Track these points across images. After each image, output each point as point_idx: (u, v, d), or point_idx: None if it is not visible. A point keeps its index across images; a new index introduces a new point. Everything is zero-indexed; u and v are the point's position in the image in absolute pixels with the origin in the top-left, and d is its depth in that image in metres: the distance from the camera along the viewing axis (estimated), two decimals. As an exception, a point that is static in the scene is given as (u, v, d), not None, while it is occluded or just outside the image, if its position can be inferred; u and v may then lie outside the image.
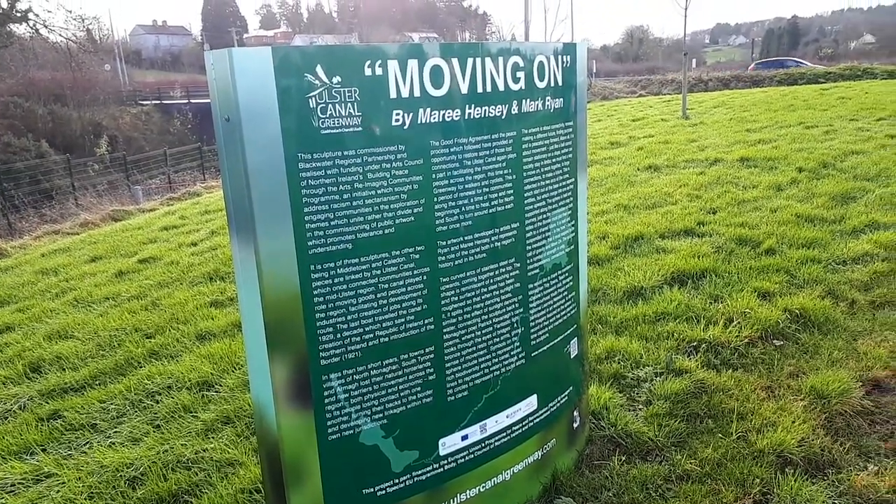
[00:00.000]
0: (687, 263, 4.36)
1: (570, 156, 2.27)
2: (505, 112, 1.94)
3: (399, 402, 1.88)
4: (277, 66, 1.50)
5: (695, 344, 3.42)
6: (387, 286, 1.78)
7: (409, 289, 1.83)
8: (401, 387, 1.87)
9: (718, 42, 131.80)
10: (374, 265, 1.75)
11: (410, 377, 1.89)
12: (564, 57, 2.13)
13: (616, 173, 7.53)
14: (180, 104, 40.71)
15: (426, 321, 1.88)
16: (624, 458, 2.61)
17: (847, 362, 3.25)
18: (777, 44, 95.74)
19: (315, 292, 1.68)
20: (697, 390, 3.01)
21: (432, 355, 1.92)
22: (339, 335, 1.73)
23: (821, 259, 4.47)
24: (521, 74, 1.96)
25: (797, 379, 3.12)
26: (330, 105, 1.58)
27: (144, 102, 40.05)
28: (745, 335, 3.47)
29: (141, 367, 3.77)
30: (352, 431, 1.80)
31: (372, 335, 1.79)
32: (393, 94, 1.68)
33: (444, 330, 1.93)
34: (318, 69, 1.55)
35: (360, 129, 1.64)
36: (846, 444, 2.66)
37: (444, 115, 1.79)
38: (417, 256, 1.82)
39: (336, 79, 1.57)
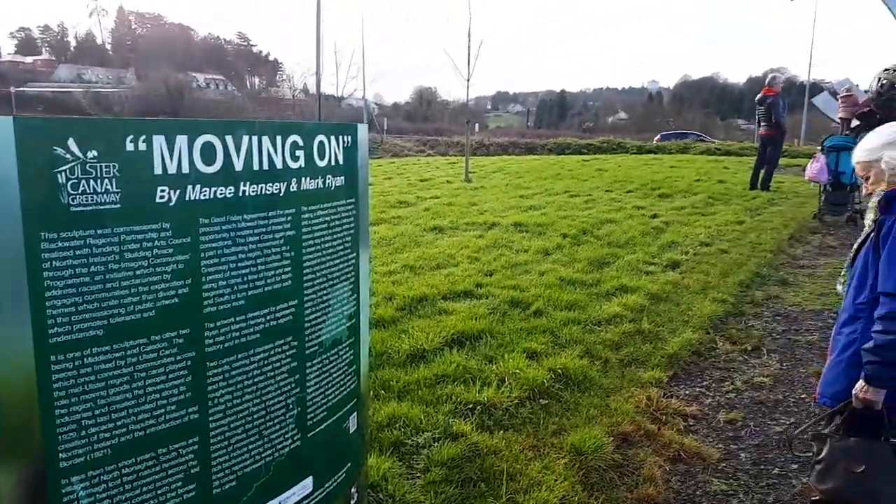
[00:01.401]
0: (466, 325, 4.58)
1: (352, 232, 2.29)
2: (283, 189, 1.91)
3: (156, 501, 1.70)
4: (19, 137, 1.33)
5: (471, 406, 3.57)
6: (144, 375, 1.63)
7: (170, 376, 1.69)
8: (158, 484, 1.70)
9: (499, 108, 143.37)
10: (129, 352, 1.59)
11: (170, 472, 1.73)
12: (345, 136, 2.16)
13: (404, 233, 7.77)
14: None
15: (190, 410, 1.75)
16: (401, 532, 2.62)
17: (601, 418, 3.60)
18: (549, 114, 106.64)
19: (55, 385, 1.48)
20: (472, 454, 3.13)
21: (196, 446, 1.78)
22: (83, 432, 1.54)
23: (580, 320, 4.95)
24: (300, 153, 1.94)
25: (560, 437, 3.37)
26: (83, 181, 1.43)
27: None
28: (516, 395, 3.70)
29: None
30: (97, 540, 1.60)
31: (125, 430, 1.61)
32: (158, 171, 1.57)
33: (211, 418, 1.80)
34: (71, 142, 1.40)
35: (118, 206, 1.51)
36: (600, 498, 2.91)
37: (216, 192, 1.71)
38: (181, 341, 1.70)
39: (92, 153, 1.43)
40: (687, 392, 4.10)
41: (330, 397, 2.27)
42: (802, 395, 4.07)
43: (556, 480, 2.94)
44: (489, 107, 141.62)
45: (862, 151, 2.45)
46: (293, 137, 1.91)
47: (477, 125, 46.10)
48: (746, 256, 7.14)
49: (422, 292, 5.29)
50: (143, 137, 1.53)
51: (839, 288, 2.62)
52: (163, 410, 1.69)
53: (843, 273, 2.56)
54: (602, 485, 3.04)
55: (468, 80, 14.80)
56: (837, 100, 17.75)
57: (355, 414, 2.48)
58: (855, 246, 2.49)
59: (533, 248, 7.07)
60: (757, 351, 4.75)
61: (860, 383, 2.31)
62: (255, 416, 1.94)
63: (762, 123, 12.06)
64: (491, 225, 8.37)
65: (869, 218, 2.48)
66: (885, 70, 15.64)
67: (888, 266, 2.21)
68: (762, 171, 12.08)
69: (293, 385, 2.07)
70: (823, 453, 2.39)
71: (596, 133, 47.26)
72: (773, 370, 4.42)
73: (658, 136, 36.88)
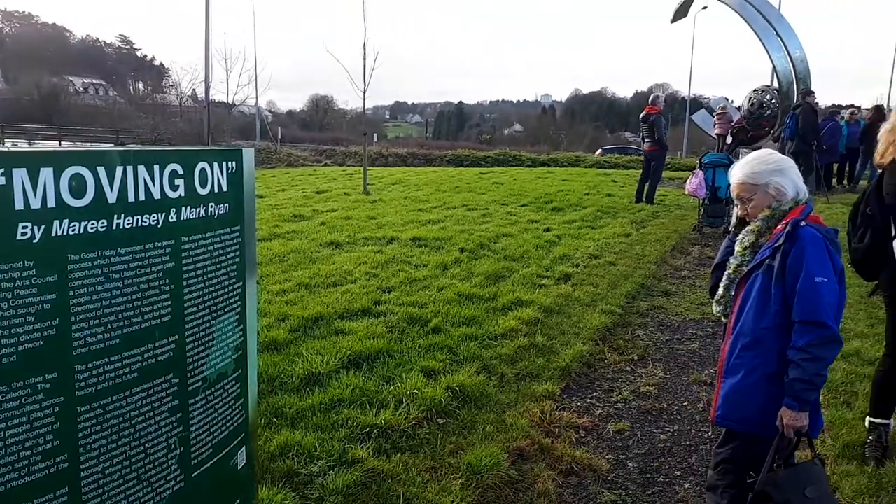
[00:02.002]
0: (363, 345, 4.53)
1: (238, 260, 2.21)
2: (161, 220, 1.82)
3: (18, 562, 1.57)
4: None
5: (367, 430, 3.53)
6: (3, 425, 1.50)
7: (34, 425, 1.56)
8: (21, 544, 1.57)
9: (397, 118, 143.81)
10: (-14, 403, 1.46)
11: (35, 529, 1.59)
12: (230, 162, 2.09)
13: (299, 249, 7.61)
14: None
15: (58, 459, 1.62)
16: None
17: (497, 435, 3.65)
18: (447, 125, 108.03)
19: None
20: (368, 480, 3.09)
21: (65, 498, 1.65)
22: (-69, 495, 1.40)
23: (478, 336, 5.01)
24: (179, 182, 1.86)
25: (457, 456, 3.39)
26: (-72, 219, 1.31)
27: None
28: (413, 416, 3.69)
29: None
30: None
31: (-20, 488, 1.48)
32: (19, 206, 1.45)
33: (83, 466, 1.68)
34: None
35: (-30, 245, 1.38)
36: (496, 518, 2.95)
37: (86, 226, 1.60)
38: (48, 386, 1.57)
39: (-63, 188, 1.31)
40: (579, 404, 4.23)
41: (216, 434, 2.18)
42: (685, 404, 4.29)
43: (452, 502, 2.96)
44: (387, 116, 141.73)
45: (747, 175, 2.54)
46: (172, 166, 1.83)
47: (375, 135, 45.99)
48: (633, 268, 7.49)
49: (317, 312, 5.19)
50: (1, 171, 1.41)
51: (716, 308, 2.73)
52: (26, 462, 1.56)
53: (720, 294, 2.68)
54: (498, 503, 3.08)
55: (364, 93, 14.74)
56: (714, 117, 19.12)
57: (244, 448, 2.39)
58: (731, 269, 2.61)
59: (432, 263, 7.11)
60: (643, 360, 4.98)
61: (789, 412, 2.35)
62: (133, 461, 1.83)
63: (646, 140, 12.73)
64: (390, 239, 8.35)
65: (747, 241, 2.58)
66: (755, 90, 16.96)
67: (807, 295, 2.31)
68: (646, 185, 12.74)
69: (175, 424, 1.97)
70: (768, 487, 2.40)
71: (493, 145, 48.25)
72: (657, 379, 4.64)
73: (599, 150, 38.01)
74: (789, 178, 2.51)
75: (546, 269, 7.18)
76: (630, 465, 3.55)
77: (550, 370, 4.57)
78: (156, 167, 1.78)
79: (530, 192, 13.70)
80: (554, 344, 5.05)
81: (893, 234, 3.33)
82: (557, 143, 65.05)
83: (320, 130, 61.94)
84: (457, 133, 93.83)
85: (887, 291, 3.45)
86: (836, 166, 16.03)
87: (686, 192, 10.19)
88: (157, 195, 1.79)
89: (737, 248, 2.60)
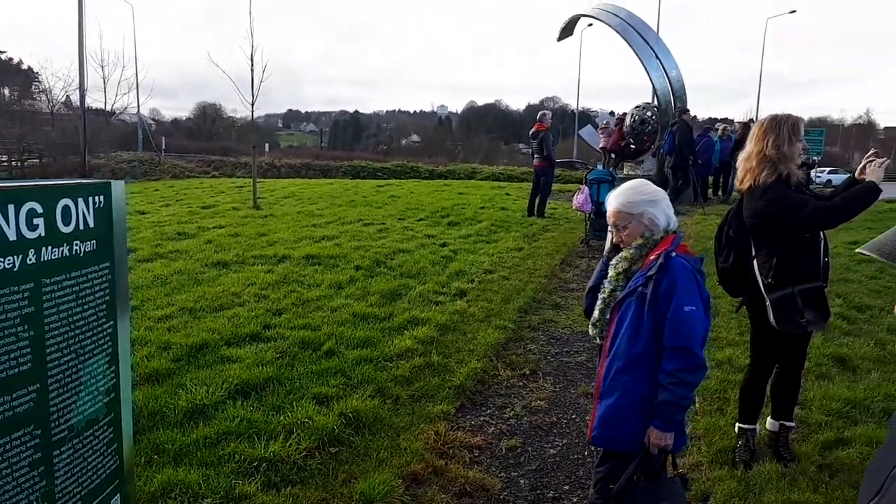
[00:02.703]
0: (251, 373, 4.38)
1: (107, 299, 2.08)
2: (18, 263, 1.68)
3: None
4: None
5: (256, 463, 3.41)
6: None
7: None
8: None
9: (291, 127, 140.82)
10: None
11: None
12: (97, 197, 1.96)
13: (183, 269, 7.27)
14: None
15: None
16: None
17: (391, 460, 3.62)
18: (343, 134, 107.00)
19: None
20: (256, 518, 2.98)
21: None
22: None
23: (373, 357, 4.96)
24: (39, 221, 1.73)
25: (349, 485, 3.34)
26: None
27: None
28: (304, 446, 3.60)
29: None
30: None
31: None
32: None
33: (-75, 538, 1.52)
34: None
35: None
36: (388, 547, 2.92)
37: (-75, 274, 1.46)
38: None
39: None
40: (473, 422, 4.28)
41: (86, 484, 2.03)
42: (573, 416, 4.44)
43: (345, 534, 2.90)
44: (280, 125, 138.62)
45: (623, 204, 2.68)
46: (30, 205, 1.70)
47: (267, 144, 44.70)
48: (525, 282, 7.68)
49: (202, 339, 4.96)
50: None
51: (592, 331, 2.85)
52: None
53: (596, 317, 2.80)
54: (391, 532, 3.05)
55: (252, 105, 14.33)
56: (598, 132, 20.05)
57: (118, 496, 2.25)
58: (606, 293, 2.73)
59: (326, 283, 6.99)
60: (534, 375, 5.11)
61: (657, 431, 2.51)
62: (-14, 526, 1.67)
63: (535, 156, 13.14)
64: (281, 258, 8.14)
65: (620, 267, 2.71)
66: (637, 107, 17.89)
67: (677, 323, 2.46)
68: (537, 199, 13.14)
69: (37, 479, 1.83)
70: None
71: (391, 155, 48.12)
72: (548, 393, 4.77)
73: None
74: (661, 209, 2.67)
75: (442, 286, 7.23)
76: (521, 482, 3.62)
77: (445, 389, 4.59)
78: (10, 207, 1.64)
79: (427, 206, 13.77)
80: (449, 362, 5.08)
81: (753, 254, 3.61)
82: (454, 154, 65.92)
83: (208, 140, 59.53)
84: (353, 143, 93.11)
85: (750, 307, 3.73)
86: (711, 179, 17.18)
87: (574, 207, 10.60)
88: (12, 237, 1.66)
89: (611, 272, 2.73)
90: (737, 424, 3.92)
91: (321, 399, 4.17)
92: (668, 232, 2.66)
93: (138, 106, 30.70)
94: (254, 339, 5.16)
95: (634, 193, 2.69)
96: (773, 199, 3.42)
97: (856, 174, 3.46)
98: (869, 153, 3.49)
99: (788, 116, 3.51)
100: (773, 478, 3.51)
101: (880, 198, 3.49)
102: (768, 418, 3.91)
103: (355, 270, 7.63)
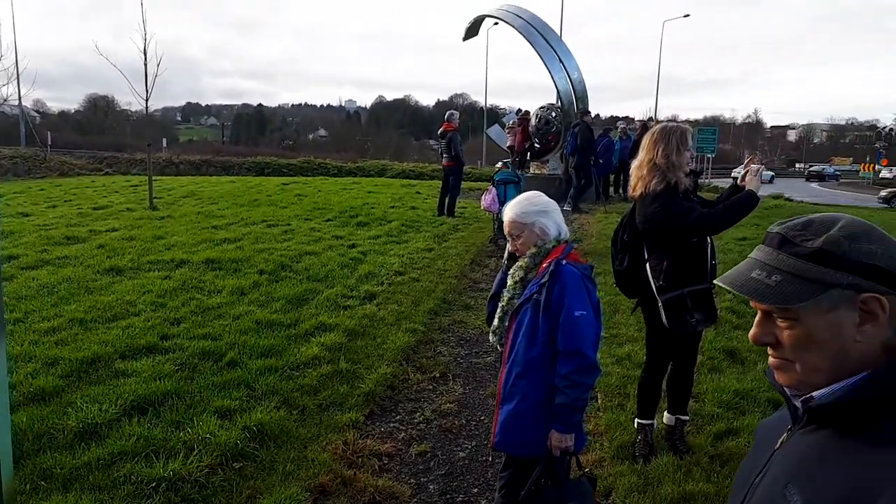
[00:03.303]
0: (148, 388, 4.17)
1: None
2: None
3: None
4: None
5: (154, 484, 3.25)
6: None
7: None
8: None
9: (190, 120, 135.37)
10: None
11: None
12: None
13: (72, 277, 6.82)
14: None
15: None
16: None
17: (298, 473, 3.54)
18: (247, 128, 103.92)
19: None
20: (155, 543, 2.84)
21: None
22: None
23: (278, 367, 4.83)
24: None
25: (254, 501, 3.25)
26: None
27: None
28: (206, 463, 3.46)
29: None
30: None
31: None
32: None
33: None
34: None
35: None
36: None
37: None
38: None
39: None
40: (382, 429, 4.25)
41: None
42: (482, 418, 4.48)
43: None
44: (179, 118, 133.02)
45: (517, 214, 2.76)
46: None
47: (165, 139, 42.75)
48: (435, 283, 7.70)
49: (94, 352, 4.67)
50: None
51: (492, 338, 2.90)
52: None
53: (496, 325, 2.85)
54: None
55: (147, 100, 13.62)
56: (505, 131, 20.39)
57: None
58: (504, 301, 2.79)
59: (227, 289, 6.74)
60: (444, 377, 5.13)
61: (557, 434, 2.58)
62: None
63: (444, 155, 13.21)
64: (180, 263, 7.77)
65: (517, 276, 2.77)
66: (541, 107, 18.31)
67: (569, 327, 2.54)
68: (447, 199, 13.21)
69: None
70: None
71: (297, 151, 47.00)
72: (457, 395, 4.80)
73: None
74: (552, 219, 2.78)
75: (351, 289, 7.13)
76: (431, 487, 3.63)
77: (355, 397, 4.53)
78: None
79: (335, 206, 13.54)
80: (358, 369, 5.02)
81: (646, 258, 3.77)
82: (364, 150, 65.32)
83: (100, 135, 56.27)
84: (257, 137, 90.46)
85: (644, 308, 3.91)
86: (612, 178, 17.84)
87: (482, 208, 10.73)
88: None
89: (508, 281, 2.81)
90: (636, 420, 4.08)
91: (224, 413, 4.02)
92: (559, 241, 2.75)
93: (19, 97, 28.42)
94: (150, 351, 4.90)
95: (528, 204, 2.78)
96: (662, 205, 3.57)
97: (738, 182, 3.68)
98: (747, 160, 3.72)
99: (677, 127, 3.68)
100: (670, 470, 3.67)
101: (768, 192, 3.74)
102: (665, 413, 4.10)
103: (259, 275, 7.40)
